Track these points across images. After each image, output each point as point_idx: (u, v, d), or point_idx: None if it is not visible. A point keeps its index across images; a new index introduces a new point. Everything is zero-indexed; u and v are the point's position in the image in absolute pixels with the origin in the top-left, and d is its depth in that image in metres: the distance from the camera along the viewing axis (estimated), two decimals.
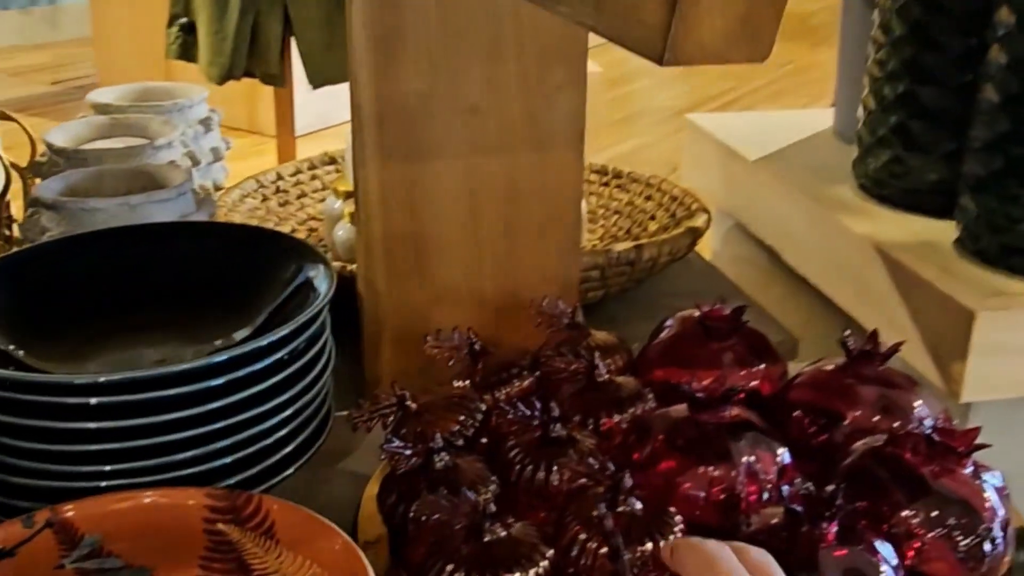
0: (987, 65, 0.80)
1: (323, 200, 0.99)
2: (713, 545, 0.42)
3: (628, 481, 0.52)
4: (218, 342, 0.62)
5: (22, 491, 0.54)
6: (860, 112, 0.95)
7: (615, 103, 4.09)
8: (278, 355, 0.57)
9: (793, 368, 0.67)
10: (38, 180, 0.86)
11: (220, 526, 0.51)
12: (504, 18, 0.66)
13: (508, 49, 0.66)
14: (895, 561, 0.49)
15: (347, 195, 0.90)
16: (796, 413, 0.63)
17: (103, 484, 0.55)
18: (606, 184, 1.06)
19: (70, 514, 0.49)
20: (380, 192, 0.68)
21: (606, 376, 0.63)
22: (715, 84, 4.53)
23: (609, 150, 3.40)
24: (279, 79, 2.37)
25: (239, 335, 0.62)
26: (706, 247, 1.20)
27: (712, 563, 0.41)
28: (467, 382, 0.66)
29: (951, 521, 0.51)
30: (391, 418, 0.61)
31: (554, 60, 0.68)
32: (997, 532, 0.52)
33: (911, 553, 0.52)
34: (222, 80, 2.30)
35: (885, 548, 0.49)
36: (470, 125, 0.68)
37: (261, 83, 2.38)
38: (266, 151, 3.16)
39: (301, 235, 0.99)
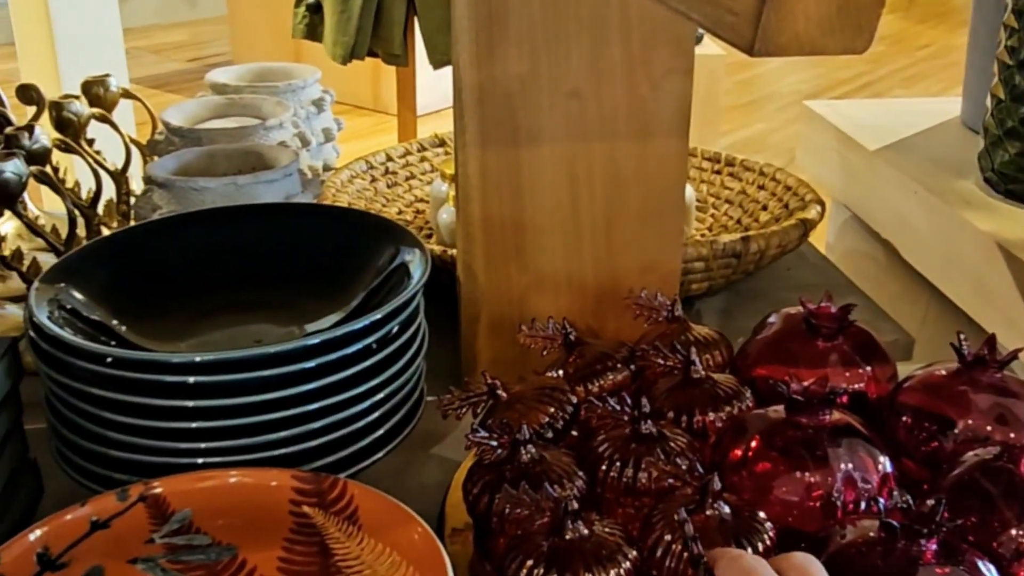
0: None
1: (431, 182, 1.00)
2: (751, 558, 0.43)
3: (716, 484, 0.50)
4: (312, 325, 0.63)
5: (122, 465, 0.56)
6: (988, 102, 0.90)
7: (740, 87, 4.01)
8: (369, 340, 0.57)
9: (906, 370, 0.64)
10: (156, 158, 0.89)
11: (305, 508, 0.51)
12: (610, 1, 0.64)
13: (613, 33, 0.65)
14: None
15: (453, 178, 0.89)
16: (904, 418, 0.60)
17: (199, 461, 0.56)
18: (718, 172, 1.04)
19: (160, 490, 0.50)
20: (480, 175, 0.68)
21: (703, 373, 0.61)
22: (846, 68, 4.40)
23: (732, 135, 3.34)
24: (402, 59, 2.39)
25: (333, 318, 0.63)
26: (820, 240, 1.16)
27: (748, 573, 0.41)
28: (560, 373, 0.65)
29: None
30: (481, 407, 0.61)
31: (661, 44, 0.66)
32: None
33: (1020, 574, 0.49)
34: (346, 60, 2.34)
35: (989, 569, 0.46)
36: (572, 110, 0.67)
37: (384, 63, 2.41)
38: (389, 130, 3.21)
39: (408, 217, 1.00)
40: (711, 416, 0.60)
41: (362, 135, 3.40)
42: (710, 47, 2.66)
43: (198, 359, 0.54)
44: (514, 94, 0.66)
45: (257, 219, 0.68)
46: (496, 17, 0.64)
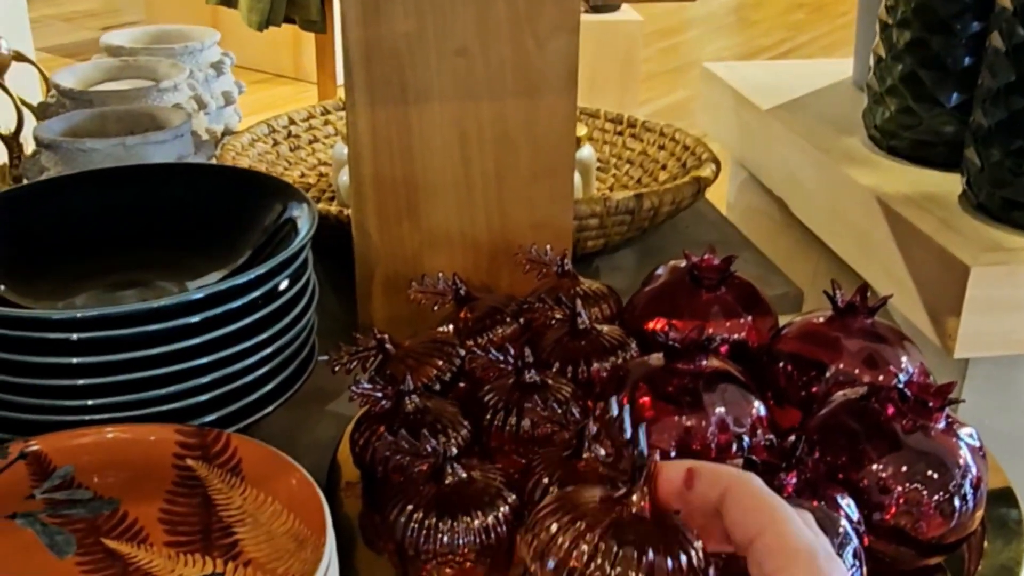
0: (995, 11, 0.77)
1: (333, 145, 1.00)
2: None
3: (592, 429, 0.52)
4: (198, 282, 0.63)
5: (8, 424, 0.55)
6: (871, 60, 0.93)
7: (663, 54, 4.04)
8: (254, 294, 0.57)
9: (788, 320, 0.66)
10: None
11: (189, 462, 0.52)
12: None
13: None
14: (856, 516, 0.48)
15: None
16: (782, 364, 0.62)
17: (87, 418, 0.56)
18: (620, 133, 1.05)
19: (38, 447, 0.50)
20: (370, 135, 0.68)
21: (588, 324, 0.63)
22: (768, 35, 4.45)
23: (654, 103, 3.36)
24: (319, 25, 2.35)
25: (219, 275, 0.63)
26: (721, 198, 1.18)
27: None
28: (452, 327, 0.66)
29: (919, 477, 0.50)
30: (370, 361, 0.62)
31: (546, 2, 0.67)
32: (968, 489, 0.51)
33: (878, 507, 0.51)
34: (262, 27, 2.30)
35: (847, 502, 0.49)
36: (459, 68, 0.67)
37: (302, 30, 2.38)
38: (311, 99, 3.17)
39: (311, 180, 1.00)
40: (596, 366, 0.61)
41: (284, 103, 3.36)
42: (629, 13, 2.67)
43: (79, 315, 0.54)
44: (401, 52, 0.66)
45: (143, 180, 0.67)
46: None
